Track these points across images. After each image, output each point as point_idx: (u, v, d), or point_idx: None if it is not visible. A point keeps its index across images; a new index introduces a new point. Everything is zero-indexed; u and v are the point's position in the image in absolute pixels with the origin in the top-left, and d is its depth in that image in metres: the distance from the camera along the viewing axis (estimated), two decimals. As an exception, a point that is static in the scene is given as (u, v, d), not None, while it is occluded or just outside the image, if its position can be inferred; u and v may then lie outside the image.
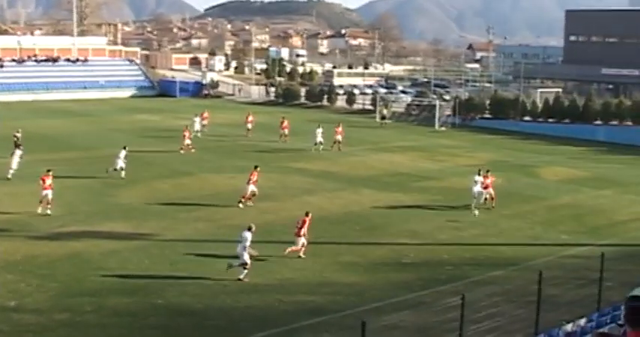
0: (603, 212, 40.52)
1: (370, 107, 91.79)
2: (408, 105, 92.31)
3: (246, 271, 26.47)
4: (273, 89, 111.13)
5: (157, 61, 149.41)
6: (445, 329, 19.76)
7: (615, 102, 78.13)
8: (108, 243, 31.14)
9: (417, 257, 30.69)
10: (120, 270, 27.40)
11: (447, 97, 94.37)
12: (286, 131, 63.19)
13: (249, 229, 27.16)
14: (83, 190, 41.25)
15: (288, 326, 22.74)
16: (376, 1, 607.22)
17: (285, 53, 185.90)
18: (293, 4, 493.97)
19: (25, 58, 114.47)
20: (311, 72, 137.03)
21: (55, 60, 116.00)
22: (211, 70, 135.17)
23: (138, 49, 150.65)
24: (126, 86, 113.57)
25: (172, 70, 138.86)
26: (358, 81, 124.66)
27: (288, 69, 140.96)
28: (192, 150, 55.65)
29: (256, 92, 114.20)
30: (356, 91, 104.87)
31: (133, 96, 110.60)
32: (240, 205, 38.21)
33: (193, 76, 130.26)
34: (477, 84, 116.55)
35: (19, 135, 53.46)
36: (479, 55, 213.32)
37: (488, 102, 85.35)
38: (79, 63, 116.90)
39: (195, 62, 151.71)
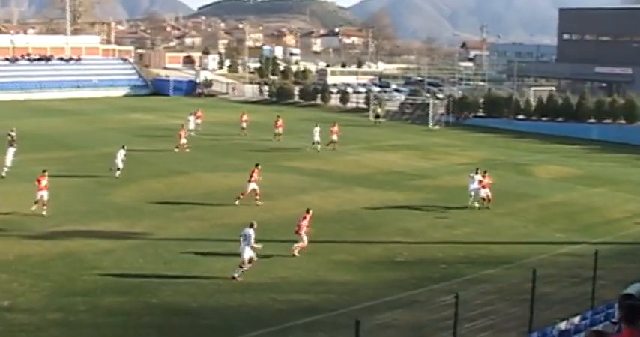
0: (596, 210, 40.58)
1: (364, 106, 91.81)
2: (402, 103, 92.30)
3: (242, 270, 26.45)
4: (266, 88, 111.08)
5: (151, 59, 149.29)
6: (439, 328, 19.78)
7: (608, 101, 78.27)
8: (102, 242, 31.10)
9: (410, 255, 30.71)
10: (114, 269, 27.37)
11: (441, 96, 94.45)
12: (280, 130, 63.19)
13: (252, 226, 27.13)
14: (77, 189, 41.19)
15: (282, 324, 22.74)
16: (370, 0, 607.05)
17: (278, 52, 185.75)
18: (286, 2, 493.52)
19: (19, 57, 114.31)
20: (304, 71, 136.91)
21: (48, 59, 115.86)
22: (205, 69, 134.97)
23: (131, 48, 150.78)
24: (119, 85, 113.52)
25: (166, 68, 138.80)
26: (352, 79, 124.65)
27: (281, 68, 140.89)
28: (187, 150, 55.60)
29: (250, 91, 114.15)
30: (349, 90, 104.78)
31: (126, 95, 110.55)
32: (237, 202, 38.27)
33: (187, 74, 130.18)
34: (471, 82, 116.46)
35: (13, 133, 53.39)
36: (472, 53, 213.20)
37: (481, 100, 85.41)
38: (72, 62, 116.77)
39: (188, 61, 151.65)
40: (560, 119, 78.71)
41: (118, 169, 44.79)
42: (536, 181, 49.18)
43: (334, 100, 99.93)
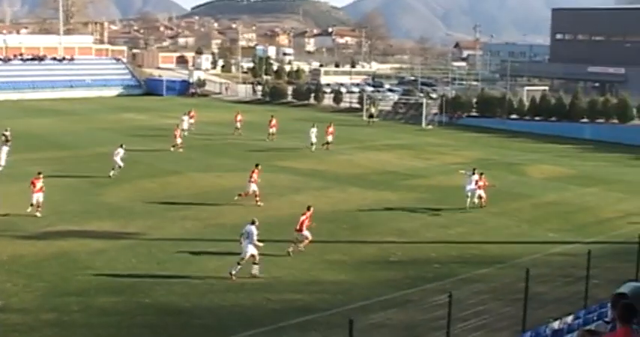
0: (589, 209, 40.64)
1: (357, 106, 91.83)
2: (395, 103, 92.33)
3: (239, 267, 26.48)
4: (260, 88, 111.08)
5: (144, 59, 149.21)
6: (432, 327, 19.79)
7: (601, 101, 78.44)
8: (95, 242, 31.06)
9: (404, 255, 30.72)
10: (107, 270, 27.33)
11: (434, 96, 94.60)
12: (274, 130, 63.16)
13: (253, 223, 27.13)
14: (70, 189, 41.14)
15: (275, 324, 22.73)
16: (363, 0, 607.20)
17: (272, 52, 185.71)
18: (280, 2, 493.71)
19: (11, 56, 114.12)
20: (298, 70, 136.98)
21: (41, 59, 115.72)
22: (198, 69, 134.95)
23: (124, 48, 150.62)
24: (112, 85, 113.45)
25: (159, 68, 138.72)
26: (345, 79, 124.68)
27: (275, 67, 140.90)
28: (180, 150, 55.57)
29: (243, 91, 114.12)
30: (343, 90, 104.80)
31: (119, 95, 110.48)
32: (236, 198, 38.41)
33: (180, 74, 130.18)
34: (464, 82, 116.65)
35: (7, 133, 53.32)
36: (466, 53, 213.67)
37: (475, 100, 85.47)
38: (65, 62, 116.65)
39: (181, 61, 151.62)
40: (553, 119, 78.85)
41: (119, 167, 44.85)
42: (530, 181, 49.25)
43: (327, 100, 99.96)
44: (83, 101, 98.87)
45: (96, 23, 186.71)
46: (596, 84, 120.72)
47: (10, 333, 21.56)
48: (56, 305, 23.81)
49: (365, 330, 20.15)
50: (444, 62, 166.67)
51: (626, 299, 10.71)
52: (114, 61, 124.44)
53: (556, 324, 17.20)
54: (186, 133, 62.35)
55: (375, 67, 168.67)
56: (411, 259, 30.30)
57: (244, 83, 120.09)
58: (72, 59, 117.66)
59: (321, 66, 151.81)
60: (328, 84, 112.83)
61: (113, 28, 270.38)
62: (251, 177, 38.67)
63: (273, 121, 63.68)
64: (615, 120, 76.00)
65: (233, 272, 26.41)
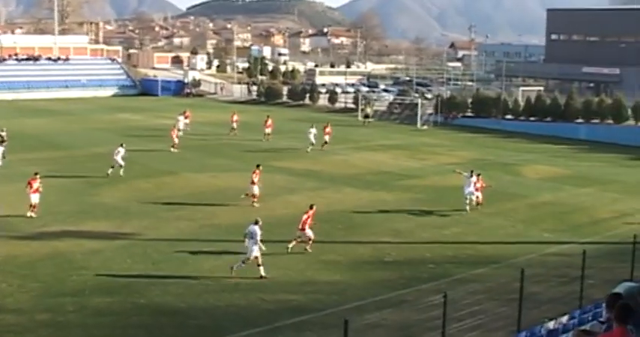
0: (585, 210, 40.68)
1: (352, 106, 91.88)
2: (391, 103, 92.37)
3: (243, 265, 26.56)
4: (255, 88, 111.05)
5: (139, 59, 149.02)
6: (427, 328, 19.79)
7: (596, 101, 78.53)
8: (90, 242, 31.02)
9: (399, 255, 30.71)
10: (102, 270, 27.29)
11: (429, 96, 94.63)
12: (269, 130, 63.08)
13: (256, 223, 27.13)
14: (65, 190, 41.07)
15: (270, 324, 22.72)
16: (358, 0, 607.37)
17: (267, 52, 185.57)
18: (275, 2, 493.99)
19: (6, 56, 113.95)
20: (293, 71, 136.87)
21: (36, 59, 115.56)
22: (193, 69, 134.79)
23: (120, 48, 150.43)
24: (108, 85, 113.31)
25: (154, 68, 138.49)
26: (340, 79, 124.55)
27: (270, 68, 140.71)
28: (177, 150, 55.54)
29: (238, 91, 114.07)
30: (338, 90, 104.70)
31: (114, 95, 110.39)
32: (242, 196, 38.57)
33: (175, 74, 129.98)
34: (459, 82, 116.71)
35: (3, 133, 53.26)
36: (461, 53, 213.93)
37: (470, 100, 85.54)
38: (60, 62, 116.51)
39: (177, 61, 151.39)
40: (548, 119, 78.92)
41: (120, 166, 44.82)
42: (525, 181, 49.28)
43: (323, 100, 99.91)
44: (78, 101, 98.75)
45: (91, 23, 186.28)
46: (591, 85, 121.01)
47: (4, 334, 21.51)
48: (51, 305, 23.78)
49: (360, 330, 20.13)
50: (439, 62, 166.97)
51: (621, 299, 10.73)
52: (109, 61, 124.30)
53: (551, 324, 17.21)
54: (181, 133, 62.28)
55: (370, 67, 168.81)
56: (406, 259, 30.30)
57: (239, 83, 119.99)
58: (67, 59, 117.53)
59: (316, 66, 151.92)
60: (323, 85, 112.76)
61: (108, 28, 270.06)
62: (252, 178, 38.71)
63: (269, 121, 63.62)
64: (610, 121, 76.09)
65: (234, 267, 26.46)
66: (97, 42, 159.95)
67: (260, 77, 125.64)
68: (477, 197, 38.95)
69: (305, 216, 30.27)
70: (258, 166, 39.80)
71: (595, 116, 77.09)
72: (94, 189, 41.84)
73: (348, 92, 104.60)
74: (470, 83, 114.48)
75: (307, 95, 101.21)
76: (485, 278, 27.33)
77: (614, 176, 52.14)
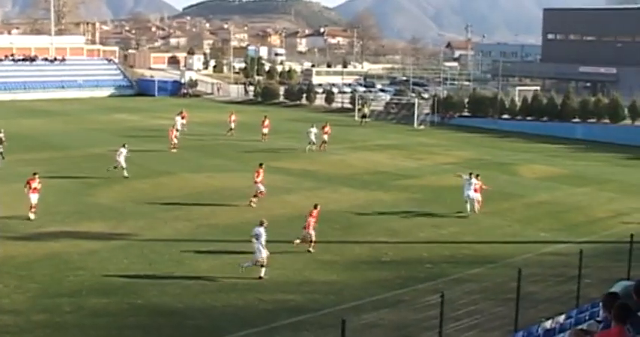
0: (581, 209, 40.71)
1: (349, 106, 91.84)
2: (387, 103, 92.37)
3: (264, 269, 26.68)
4: (251, 88, 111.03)
5: (136, 60, 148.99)
6: (424, 327, 19.80)
7: (593, 101, 78.63)
8: (87, 243, 30.99)
9: (396, 255, 30.71)
10: (99, 270, 27.27)
11: (426, 96, 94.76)
12: (266, 130, 63.04)
13: (261, 224, 27.15)
14: (62, 190, 41.00)
15: (267, 325, 22.72)
16: (355, 0, 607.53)
17: (263, 52, 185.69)
18: (271, 3, 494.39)
19: (2, 57, 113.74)
20: (290, 71, 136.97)
21: (32, 59, 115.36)
22: (190, 69, 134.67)
23: (116, 48, 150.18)
24: (104, 85, 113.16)
25: (151, 69, 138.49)
26: (337, 79, 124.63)
27: (266, 68, 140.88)
28: (174, 150, 55.53)
29: (235, 91, 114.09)
30: (335, 90, 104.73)
31: (111, 96, 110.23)
32: (255, 199, 38.54)
33: (172, 75, 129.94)
34: (456, 82, 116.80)
35: (1, 135, 53.21)
36: (457, 53, 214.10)
37: (466, 100, 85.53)
38: (56, 62, 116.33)
39: (173, 61, 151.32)
40: (544, 119, 79.01)
41: (123, 168, 44.78)
42: (522, 181, 49.31)
43: (319, 100, 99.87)
44: (75, 102, 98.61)
45: (87, 24, 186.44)
46: (588, 84, 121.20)
47: (1, 334, 21.48)
48: (48, 306, 23.76)
49: (357, 330, 20.15)
50: (436, 62, 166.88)
51: (618, 298, 10.75)
52: (105, 62, 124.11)
53: (548, 324, 17.22)
54: (178, 134, 62.20)
55: (366, 67, 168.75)
56: (403, 259, 30.30)
57: (236, 83, 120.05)
58: (63, 60, 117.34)
59: (313, 66, 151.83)
60: (320, 85, 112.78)
61: (105, 28, 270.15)
62: (257, 177, 38.71)
63: (266, 122, 63.59)
64: (607, 120, 76.18)
65: (244, 266, 26.77)
66: (93, 42, 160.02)
67: (257, 77, 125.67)
68: (479, 201, 38.34)
69: (310, 218, 30.33)
70: (260, 165, 39.75)
71: (592, 116, 77.17)
72: (90, 189, 41.80)
73: (344, 92, 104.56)
74: (466, 83, 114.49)
75: (304, 95, 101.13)
76: (482, 277, 27.34)
77: (610, 175, 52.19)
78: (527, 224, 36.81)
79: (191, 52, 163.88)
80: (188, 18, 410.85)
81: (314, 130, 58.46)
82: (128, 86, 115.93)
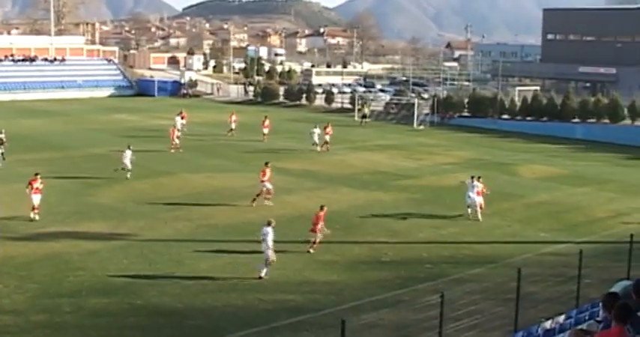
0: (581, 209, 40.70)
1: (349, 106, 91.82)
2: (387, 103, 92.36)
3: (269, 268, 26.66)
4: (251, 88, 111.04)
5: (135, 60, 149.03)
6: (424, 328, 19.79)
7: (593, 101, 78.64)
8: (87, 243, 30.98)
9: (395, 255, 30.71)
10: (99, 271, 27.27)
11: (426, 96, 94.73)
12: (266, 130, 63.01)
13: (269, 224, 27.17)
14: (62, 190, 40.98)
15: (267, 325, 22.72)
16: (354, 0, 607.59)
17: (263, 52, 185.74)
18: (271, 3, 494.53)
19: (2, 57, 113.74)
20: (289, 71, 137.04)
21: (32, 59, 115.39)
22: (190, 70, 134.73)
23: (116, 49, 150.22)
24: (104, 86, 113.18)
25: (150, 69, 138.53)
26: (337, 80, 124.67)
27: (266, 68, 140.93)
28: (172, 151, 55.54)
29: (235, 91, 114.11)
30: (335, 90, 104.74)
31: (111, 96, 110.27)
32: (266, 202, 38.50)
33: (172, 75, 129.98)
34: (456, 82, 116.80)
35: (2, 135, 53.21)
36: (457, 53, 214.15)
37: (466, 100, 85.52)
38: (56, 62, 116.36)
39: (173, 61, 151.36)
40: (544, 119, 79.02)
41: (129, 170, 44.73)
42: (521, 181, 49.31)
43: (319, 100, 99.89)
44: (75, 102, 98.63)
45: (87, 24, 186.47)
46: (588, 85, 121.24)
47: (1, 335, 21.49)
48: (48, 306, 23.76)
49: (357, 330, 20.15)
50: (436, 62, 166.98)
51: (618, 298, 10.76)
52: (105, 62, 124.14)
53: (548, 324, 17.23)
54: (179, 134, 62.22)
55: (366, 67, 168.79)
56: (402, 259, 30.30)
57: (236, 84, 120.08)
58: (63, 60, 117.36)
59: (312, 66, 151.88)
60: (320, 85, 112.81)
61: (104, 28, 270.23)
62: (263, 176, 38.70)
63: (267, 122, 63.58)
64: (606, 120, 76.18)
65: (258, 268, 26.84)
66: (93, 42, 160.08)
67: (256, 77, 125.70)
68: (481, 205, 37.72)
69: (317, 220, 30.35)
70: (267, 164, 39.68)
71: (591, 116, 77.18)
72: (90, 189, 41.80)
73: (344, 92, 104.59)
74: (466, 83, 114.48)
75: (304, 95, 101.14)
76: (482, 278, 27.34)
77: (610, 175, 52.19)
78: (527, 224, 36.81)
79: (191, 53, 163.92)
80: (188, 18, 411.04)
81: (317, 131, 58.47)
82: (128, 86, 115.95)
